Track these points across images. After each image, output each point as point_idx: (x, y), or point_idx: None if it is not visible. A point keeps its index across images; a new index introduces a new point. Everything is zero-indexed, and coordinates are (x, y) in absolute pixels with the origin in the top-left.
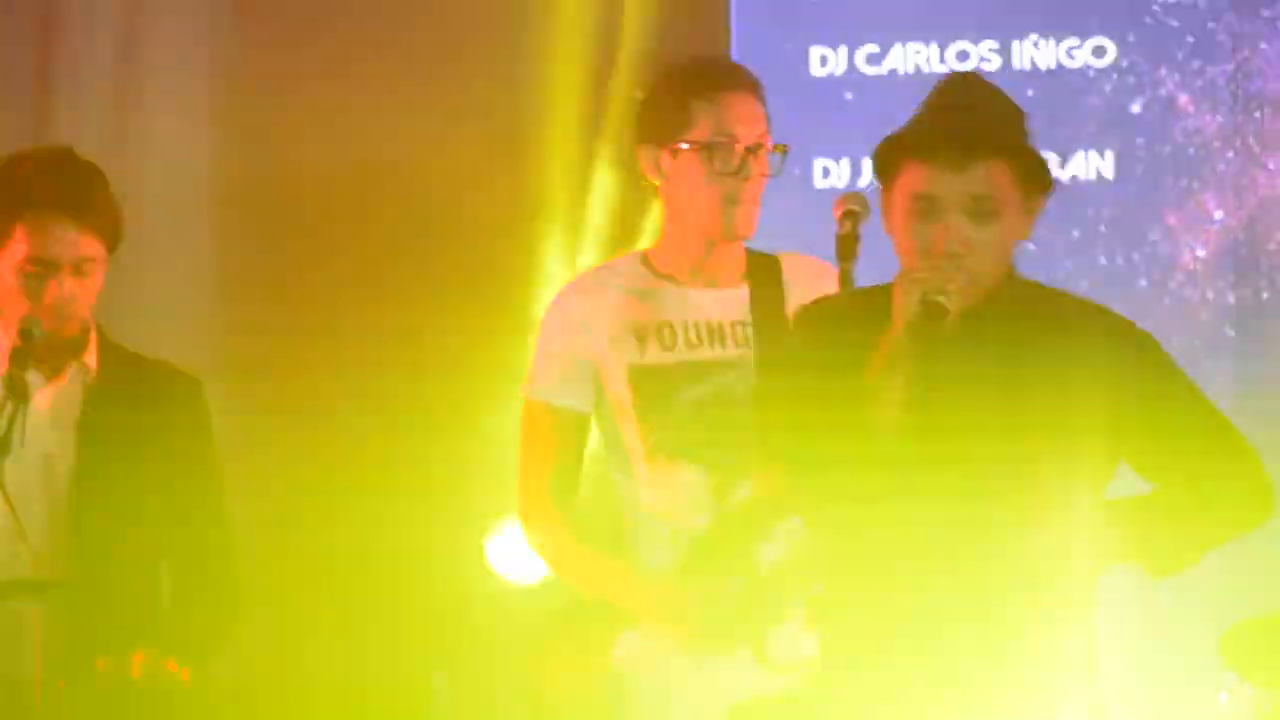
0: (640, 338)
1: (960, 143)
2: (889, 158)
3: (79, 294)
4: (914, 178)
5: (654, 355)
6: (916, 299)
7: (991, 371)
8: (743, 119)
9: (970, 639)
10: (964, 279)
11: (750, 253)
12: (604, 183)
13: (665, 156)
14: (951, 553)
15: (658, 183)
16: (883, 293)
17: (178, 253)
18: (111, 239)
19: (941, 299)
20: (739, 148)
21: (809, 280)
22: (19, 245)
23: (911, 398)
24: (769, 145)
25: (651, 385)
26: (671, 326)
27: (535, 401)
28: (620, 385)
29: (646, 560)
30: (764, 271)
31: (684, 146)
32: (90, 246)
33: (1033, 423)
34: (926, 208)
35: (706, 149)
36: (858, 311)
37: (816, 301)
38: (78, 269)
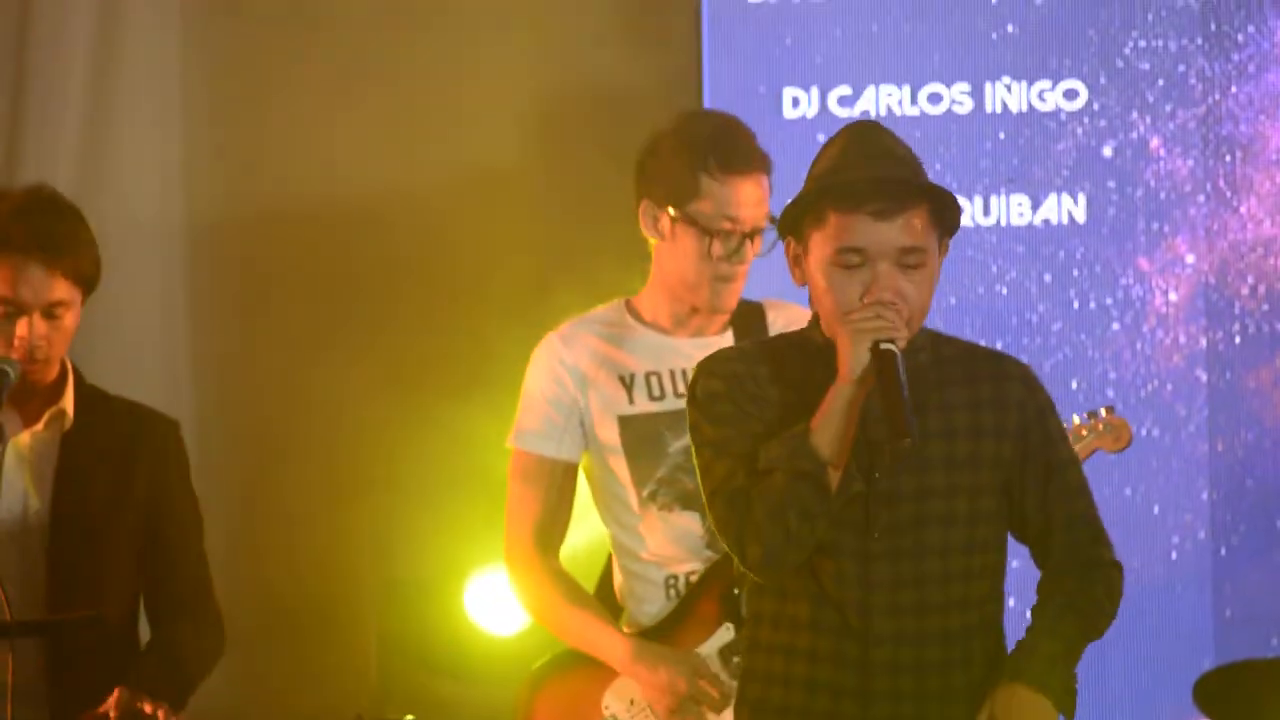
0: (628, 386)
1: (887, 193)
2: (808, 211)
3: (51, 336)
4: (840, 230)
5: (643, 404)
6: (866, 347)
7: (929, 418)
8: (748, 204)
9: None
10: (904, 326)
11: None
12: (580, 222)
13: (664, 219)
14: (893, 608)
15: (653, 240)
16: (782, 343)
17: (151, 291)
18: (86, 282)
19: (892, 346)
20: (739, 231)
21: (792, 327)
22: None
23: (857, 447)
24: (766, 225)
25: (641, 434)
26: (659, 375)
27: (520, 451)
28: (610, 434)
29: (641, 606)
30: (748, 319)
31: (685, 217)
32: (62, 290)
33: (969, 474)
34: (857, 260)
35: (707, 232)
36: (759, 363)
37: (713, 357)
38: (48, 312)
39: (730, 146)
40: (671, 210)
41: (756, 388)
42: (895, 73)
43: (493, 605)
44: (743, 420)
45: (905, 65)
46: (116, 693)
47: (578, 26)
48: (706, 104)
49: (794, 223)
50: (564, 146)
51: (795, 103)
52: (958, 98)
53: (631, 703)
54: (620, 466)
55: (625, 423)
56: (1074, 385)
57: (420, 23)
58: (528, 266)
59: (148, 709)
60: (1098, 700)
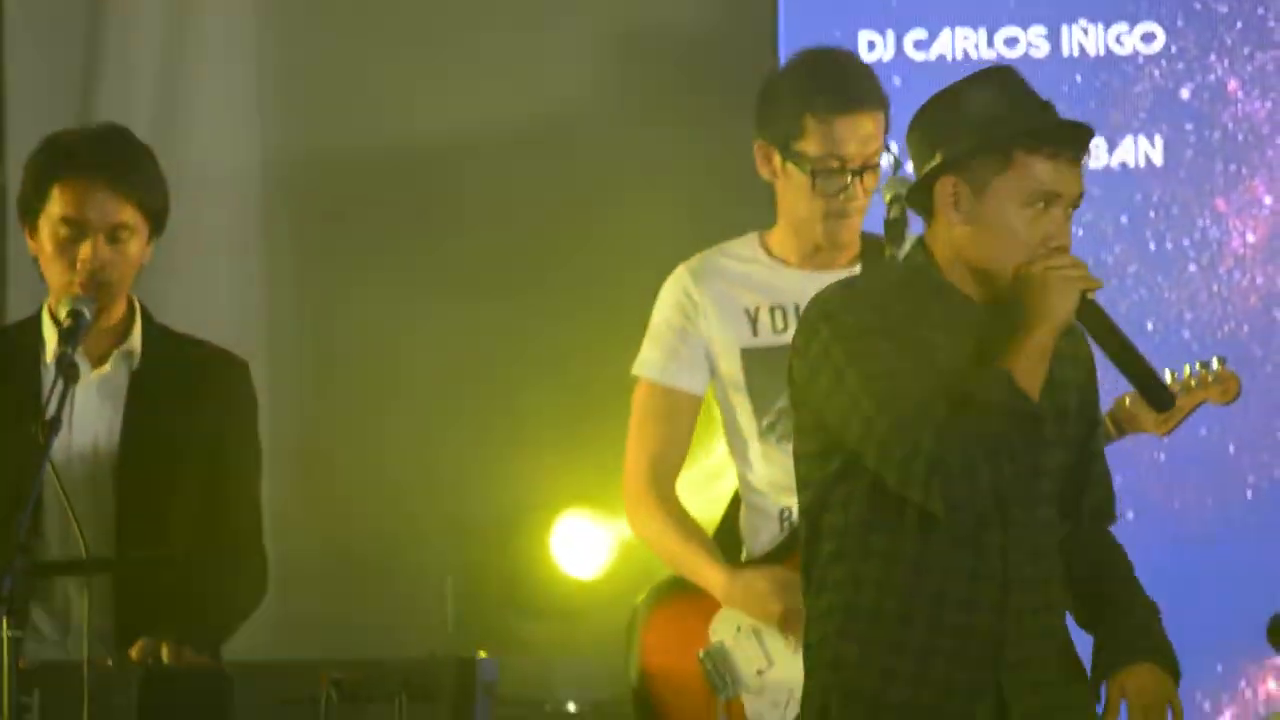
0: (753, 319)
1: (1081, 141)
2: (990, 149)
3: (115, 260)
4: (1040, 172)
5: (766, 337)
6: (1073, 296)
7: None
8: (855, 141)
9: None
10: None
11: (864, 235)
12: (656, 163)
13: (775, 158)
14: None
15: (770, 179)
16: (900, 279)
17: (226, 234)
18: (153, 211)
19: (1093, 295)
20: (848, 168)
21: None
22: (54, 206)
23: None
24: (879, 161)
25: (763, 367)
26: (784, 309)
27: (644, 379)
28: (733, 366)
29: (757, 538)
30: (877, 254)
31: (792, 157)
32: (126, 213)
33: (1071, 427)
34: (1044, 203)
35: (813, 171)
36: (897, 299)
37: (852, 290)
38: (112, 235)
39: (837, 84)
40: (780, 150)
41: (903, 323)
42: (971, 16)
43: (577, 546)
44: (906, 356)
45: (981, 8)
46: (140, 644)
47: None
48: (781, 48)
49: (963, 160)
50: (639, 91)
51: (871, 46)
52: (1034, 41)
53: (738, 629)
54: (740, 399)
55: (748, 355)
56: (1150, 327)
57: None
58: (606, 206)
59: (165, 657)
60: (1173, 640)
